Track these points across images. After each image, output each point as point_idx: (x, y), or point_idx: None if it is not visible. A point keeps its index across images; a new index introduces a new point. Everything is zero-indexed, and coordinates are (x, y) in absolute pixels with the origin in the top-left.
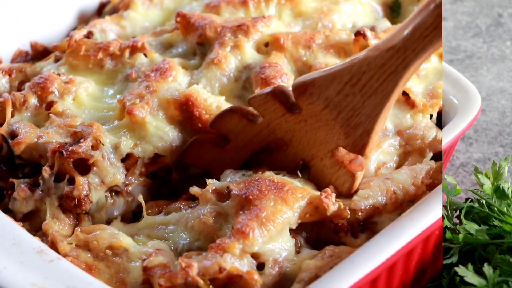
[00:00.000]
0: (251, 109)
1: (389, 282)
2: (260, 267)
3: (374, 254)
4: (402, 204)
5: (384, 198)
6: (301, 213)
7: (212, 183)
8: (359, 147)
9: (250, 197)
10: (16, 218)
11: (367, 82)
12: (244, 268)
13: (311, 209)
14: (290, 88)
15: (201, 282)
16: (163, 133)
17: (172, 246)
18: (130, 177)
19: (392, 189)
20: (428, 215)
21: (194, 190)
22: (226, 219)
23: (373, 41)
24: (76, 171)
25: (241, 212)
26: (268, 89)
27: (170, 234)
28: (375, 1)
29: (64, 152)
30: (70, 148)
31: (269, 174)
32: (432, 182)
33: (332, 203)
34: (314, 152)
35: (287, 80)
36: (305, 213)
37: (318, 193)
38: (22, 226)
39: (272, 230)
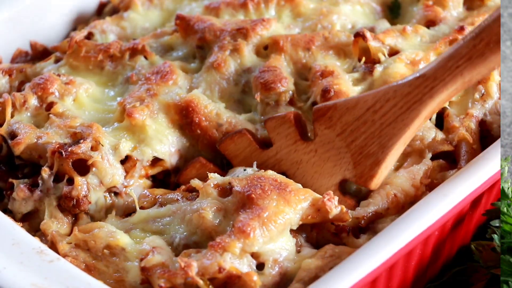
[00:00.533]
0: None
1: (389, 283)
2: (260, 266)
3: (374, 254)
4: (403, 207)
5: (386, 202)
6: (303, 214)
7: (214, 177)
8: (366, 178)
9: (253, 195)
10: (15, 218)
11: (389, 110)
12: (243, 269)
13: (313, 211)
14: None
15: (200, 282)
16: (163, 137)
17: (167, 240)
18: (129, 179)
19: (392, 192)
20: (427, 215)
21: (196, 183)
22: (226, 215)
23: (372, 42)
24: (75, 172)
25: (242, 210)
26: (288, 112)
27: (167, 226)
28: (375, 1)
29: (63, 153)
30: (70, 148)
31: (272, 173)
32: (431, 182)
33: (334, 206)
34: (315, 187)
35: (286, 84)
36: (307, 215)
37: (320, 196)
38: (21, 226)
39: (273, 231)
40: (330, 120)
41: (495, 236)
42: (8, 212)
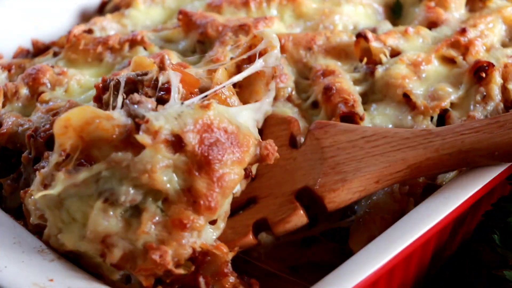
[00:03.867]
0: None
1: (389, 285)
2: (213, 221)
3: (374, 257)
4: (394, 220)
5: (377, 228)
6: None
7: (160, 128)
8: (326, 189)
9: (210, 158)
10: (11, 216)
11: (381, 144)
12: (208, 240)
13: (255, 159)
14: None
15: (182, 272)
16: None
17: (105, 197)
18: None
19: (378, 216)
20: (428, 218)
21: (143, 139)
22: (176, 173)
23: (374, 43)
24: (46, 148)
25: (198, 173)
26: (291, 116)
27: (105, 184)
28: (377, 2)
29: (35, 135)
30: (42, 129)
31: (219, 119)
32: (429, 183)
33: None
34: (273, 191)
35: (286, 80)
36: (251, 162)
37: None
38: (22, 225)
39: (229, 194)
40: (325, 133)
41: (495, 236)
42: (6, 211)
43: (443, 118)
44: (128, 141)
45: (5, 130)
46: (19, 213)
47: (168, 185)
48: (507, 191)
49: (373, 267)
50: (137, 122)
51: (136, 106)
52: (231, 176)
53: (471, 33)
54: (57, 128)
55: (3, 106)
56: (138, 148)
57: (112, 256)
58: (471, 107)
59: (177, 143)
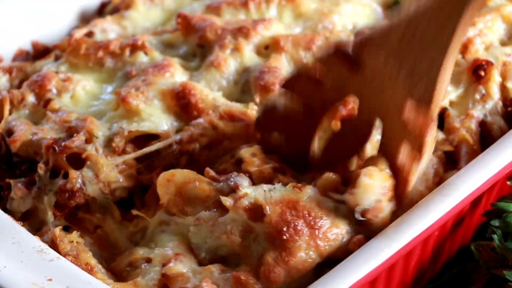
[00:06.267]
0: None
1: (388, 283)
2: None
3: (374, 254)
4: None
5: (405, 206)
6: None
7: (244, 194)
8: (424, 102)
9: (284, 237)
10: (14, 218)
11: (424, 31)
12: None
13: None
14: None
15: None
16: (159, 121)
17: (191, 244)
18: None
19: (409, 197)
20: (428, 216)
21: (226, 201)
22: (256, 239)
23: None
24: (70, 166)
25: (272, 245)
26: (330, 49)
27: (192, 230)
28: (375, 2)
29: (57, 148)
30: (63, 143)
31: (306, 199)
32: (439, 179)
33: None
34: (383, 112)
35: None
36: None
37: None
38: (22, 225)
39: (297, 275)
40: (372, 50)
41: (495, 236)
42: (7, 212)
43: (442, 117)
44: (219, 204)
45: (18, 137)
46: (25, 217)
47: (246, 249)
48: (507, 191)
49: (372, 265)
50: (232, 187)
51: (237, 177)
52: (302, 258)
53: (470, 32)
54: (160, 180)
55: (10, 113)
56: (226, 211)
57: (172, 269)
58: (470, 105)
59: (258, 213)
